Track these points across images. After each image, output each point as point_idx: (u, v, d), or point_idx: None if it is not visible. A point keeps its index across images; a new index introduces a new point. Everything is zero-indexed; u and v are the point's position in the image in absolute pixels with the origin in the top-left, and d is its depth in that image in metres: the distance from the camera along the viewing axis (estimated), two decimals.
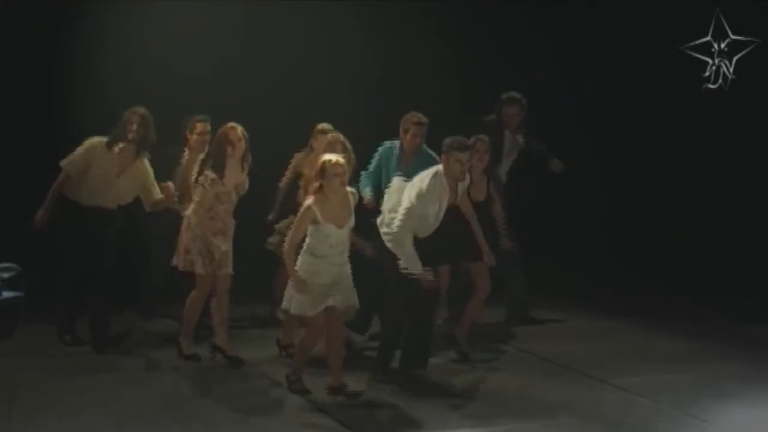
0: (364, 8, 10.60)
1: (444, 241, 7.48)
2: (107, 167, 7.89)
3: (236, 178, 7.77)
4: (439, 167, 7.36)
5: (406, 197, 7.26)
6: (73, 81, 9.90)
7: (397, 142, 8.25)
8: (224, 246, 7.78)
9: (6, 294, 5.63)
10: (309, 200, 6.82)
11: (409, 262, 7.13)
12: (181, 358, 7.82)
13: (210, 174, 7.69)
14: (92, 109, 9.80)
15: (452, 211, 7.51)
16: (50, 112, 9.80)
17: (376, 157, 8.34)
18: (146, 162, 8.03)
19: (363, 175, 8.21)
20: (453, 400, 6.98)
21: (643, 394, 7.04)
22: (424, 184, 7.22)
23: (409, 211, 7.16)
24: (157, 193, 7.99)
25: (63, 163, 7.92)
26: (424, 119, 8.08)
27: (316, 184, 6.82)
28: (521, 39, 11.06)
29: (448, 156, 7.27)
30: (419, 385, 7.32)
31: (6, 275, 5.75)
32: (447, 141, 7.34)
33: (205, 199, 7.70)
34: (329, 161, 6.80)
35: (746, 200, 10.59)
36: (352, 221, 6.98)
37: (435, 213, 7.28)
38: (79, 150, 7.95)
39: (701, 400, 6.89)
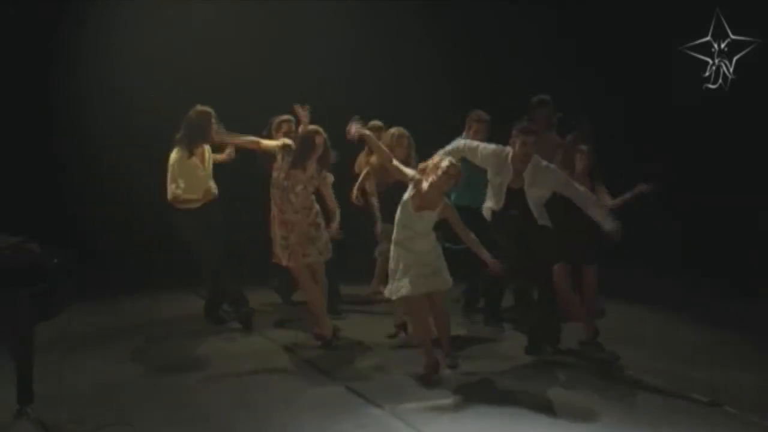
0: (364, 6, 10.77)
1: (565, 239, 7.79)
2: (194, 170, 8.28)
3: (308, 171, 7.98)
4: (509, 148, 7.63)
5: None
6: (73, 81, 9.87)
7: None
8: (293, 237, 7.95)
9: (55, 276, 5.82)
10: (418, 175, 7.15)
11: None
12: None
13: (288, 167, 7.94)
14: (92, 109, 9.83)
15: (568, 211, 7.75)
16: (50, 112, 9.78)
17: None
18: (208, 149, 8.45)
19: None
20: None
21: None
22: (488, 144, 7.72)
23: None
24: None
25: (170, 195, 8.19)
26: (486, 116, 8.59)
27: (424, 175, 7.12)
28: (522, 39, 11.14)
29: (515, 139, 7.56)
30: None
31: (56, 260, 5.87)
32: (516, 126, 7.65)
33: (279, 177, 7.95)
34: (451, 164, 7.08)
35: (746, 200, 10.66)
36: (433, 217, 7.17)
37: (496, 184, 7.63)
38: (173, 171, 8.22)
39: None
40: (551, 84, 10.62)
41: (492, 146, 7.71)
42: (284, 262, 8.02)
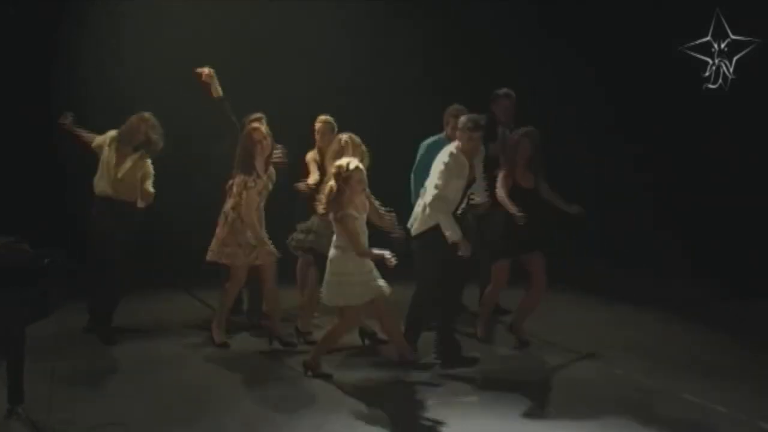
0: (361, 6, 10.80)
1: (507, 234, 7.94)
2: (109, 160, 8.24)
3: (267, 172, 8.04)
4: (455, 145, 7.62)
5: (434, 178, 7.56)
6: (73, 81, 9.90)
7: (440, 136, 8.49)
8: (254, 238, 7.93)
9: (47, 276, 5.80)
10: (348, 210, 6.99)
11: (449, 228, 7.40)
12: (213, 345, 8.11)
13: (246, 178, 7.83)
14: (92, 109, 9.82)
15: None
16: (50, 112, 9.76)
17: (422, 154, 8.48)
18: (149, 163, 8.27)
19: (413, 178, 8.44)
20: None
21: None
22: (445, 161, 7.53)
23: (440, 189, 7.47)
24: (146, 196, 8.22)
25: None
26: (464, 110, 8.27)
27: (339, 189, 7.00)
28: (521, 38, 11.12)
29: (462, 134, 7.57)
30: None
31: (46, 260, 5.85)
32: (462, 119, 7.65)
33: (251, 198, 7.82)
34: (351, 169, 6.99)
35: (745, 200, 10.63)
36: (367, 205, 7.27)
37: (458, 188, 7.57)
38: (103, 139, 8.39)
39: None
40: (550, 85, 10.69)
41: (439, 169, 7.54)
42: (238, 262, 7.97)
